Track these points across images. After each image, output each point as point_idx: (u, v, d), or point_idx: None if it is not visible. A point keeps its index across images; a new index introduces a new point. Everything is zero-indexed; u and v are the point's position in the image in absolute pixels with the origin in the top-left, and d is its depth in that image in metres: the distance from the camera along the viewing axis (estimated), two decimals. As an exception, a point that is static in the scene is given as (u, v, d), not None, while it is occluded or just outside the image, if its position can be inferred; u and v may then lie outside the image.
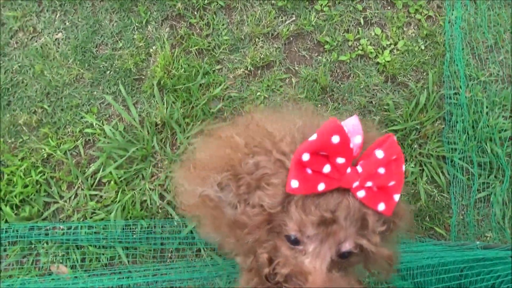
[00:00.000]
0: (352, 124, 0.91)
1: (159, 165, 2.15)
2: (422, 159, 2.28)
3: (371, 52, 2.39)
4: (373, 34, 2.44)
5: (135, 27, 2.29)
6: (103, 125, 2.15)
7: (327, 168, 0.87)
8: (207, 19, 2.33)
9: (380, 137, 0.91)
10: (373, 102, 2.34)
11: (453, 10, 2.51)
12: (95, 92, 2.20)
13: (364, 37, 2.42)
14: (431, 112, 2.32)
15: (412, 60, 2.40)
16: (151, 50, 2.26)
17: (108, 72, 2.22)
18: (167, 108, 2.18)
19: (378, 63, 2.39)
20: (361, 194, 0.88)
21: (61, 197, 2.07)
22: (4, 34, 2.23)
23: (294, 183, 0.87)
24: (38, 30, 2.25)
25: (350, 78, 2.37)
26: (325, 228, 0.88)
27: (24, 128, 2.11)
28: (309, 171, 0.88)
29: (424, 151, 2.29)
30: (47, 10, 2.28)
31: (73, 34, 2.26)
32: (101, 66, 2.22)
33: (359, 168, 0.89)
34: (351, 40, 2.41)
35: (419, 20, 2.49)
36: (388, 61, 2.38)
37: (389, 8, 2.50)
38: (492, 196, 2.27)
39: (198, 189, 1.04)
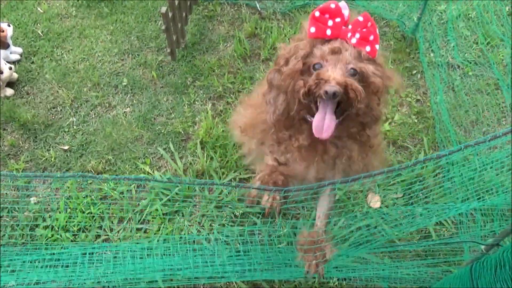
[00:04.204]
0: (343, 3, 1.35)
1: (197, 206, 2.29)
2: (428, 206, 2.33)
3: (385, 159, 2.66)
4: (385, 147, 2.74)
5: (186, 104, 2.69)
6: (154, 172, 2.37)
7: (330, 23, 1.30)
8: (241, 99, 2.73)
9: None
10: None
11: (436, 95, 2.86)
12: (149, 149, 2.49)
13: (366, 113, 2.74)
14: (430, 167, 2.47)
15: (408, 129, 2.66)
16: (196, 119, 2.62)
17: (161, 134, 2.55)
18: (206, 160, 2.42)
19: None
20: (353, 41, 1.29)
21: (111, 229, 2.18)
22: (87, 108, 2.66)
23: (312, 29, 1.30)
24: (112, 106, 2.68)
25: (358, 142, 2.60)
26: (336, 55, 1.26)
27: (91, 172, 2.36)
28: (320, 24, 1.30)
29: (430, 200, 2.36)
30: (121, 93, 2.74)
31: (138, 108, 2.66)
32: (156, 129, 2.56)
33: (350, 26, 1.31)
34: (356, 115, 2.72)
35: (410, 102, 2.83)
36: (388, 130, 2.64)
37: (384, 93, 2.87)
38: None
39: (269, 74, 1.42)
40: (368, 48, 1.27)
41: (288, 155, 1.47)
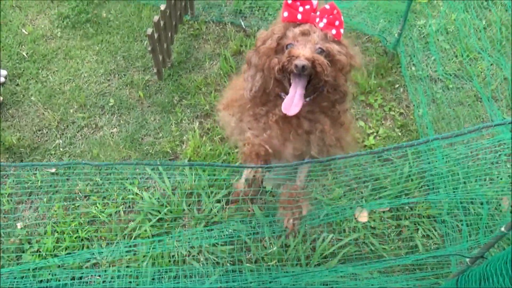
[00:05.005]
0: None
1: (186, 226, 2.28)
2: (415, 219, 2.37)
3: (358, 138, 2.72)
4: (358, 125, 2.81)
5: (173, 123, 2.70)
6: (142, 193, 2.37)
7: (301, 9, 1.47)
8: (228, 117, 2.76)
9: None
10: (365, 174, 2.56)
11: (419, 108, 2.93)
12: (137, 169, 2.49)
13: (351, 127, 2.79)
14: (416, 181, 2.51)
15: (392, 143, 2.71)
16: (184, 138, 2.63)
17: (149, 154, 2.55)
18: (195, 180, 2.43)
19: (365, 145, 2.69)
20: (321, 25, 1.46)
21: (100, 253, 2.16)
22: (73, 129, 2.65)
23: (285, 13, 1.47)
24: (99, 126, 2.68)
25: (344, 157, 2.64)
26: (306, 36, 1.43)
27: (79, 195, 2.34)
28: (292, 10, 1.47)
29: (415, 212, 2.40)
30: (107, 113, 2.75)
31: (125, 129, 2.67)
32: (144, 149, 2.56)
33: (318, 13, 1.47)
34: (342, 130, 2.77)
35: (393, 115, 2.89)
36: (373, 144, 2.69)
37: (368, 108, 2.93)
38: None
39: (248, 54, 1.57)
40: (333, 31, 1.46)
41: (268, 132, 1.60)
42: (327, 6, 1.47)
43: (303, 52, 1.39)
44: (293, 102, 1.42)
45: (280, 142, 1.60)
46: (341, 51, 1.46)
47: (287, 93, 1.46)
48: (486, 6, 3.41)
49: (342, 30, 1.48)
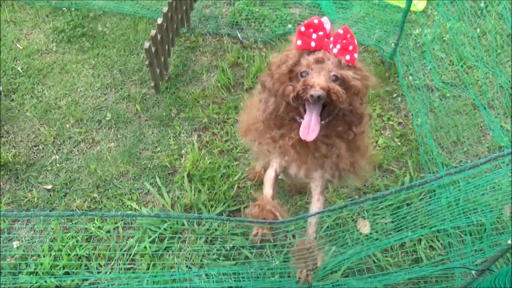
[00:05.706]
0: (325, 19, 1.50)
1: (186, 241, 2.25)
2: (416, 229, 2.36)
3: (358, 149, 2.71)
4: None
5: (171, 136, 2.68)
6: (141, 208, 2.33)
7: (314, 36, 1.47)
8: (226, 129, 2.75)
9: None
10: (366, 185, 2.55)
11: (418, 117, 2.94)
12: (136, 184, 2.46)
13: (351, 138, 2.78)
14: (416, 191, 2.51)
15: (392, 153, 2.71)
16: (182, 151, 2.61)
17: (147, 168, 2.52)
18: (194, 194, 2.40)
19: (365, 156, 2.69)
20: (335, 51, 1.45)
21: (98, 272, 2.12)
22: (70, 145, 2.62)
23: (298, 42, 1.47)
24: (96, 141, 2.65)
25: (344, 168, 2.63)
26: (320, 64, 1.43)
27: (76, 211, 2.30)
28: (305, 38, 1.46)
29: (418, 223, 2.38)
30: (104, 127, 2.72)
31: (122, 143, 2.64)
32: (142, 164, 2.54)
33: (331, 39, 1.47)
34: (341, 141, 2.76)
35: (392, 125, 2.89)
36: (373, 154, 2.69)
37: (367, 118, 2.93)
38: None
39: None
40: (347, 57, 1.46)
41: (286, 157, 1.62)
42: (341, 31, 1.47)
43: (318, 81, 1.39)
44: (310, 127, 1.43)
45: (298, 166, 1.64)
46: (355, 77, 1.45)
47: (301, 117, 1.47)
48: (480, 14, 3.45)
49: (356, 55, 1.47)
